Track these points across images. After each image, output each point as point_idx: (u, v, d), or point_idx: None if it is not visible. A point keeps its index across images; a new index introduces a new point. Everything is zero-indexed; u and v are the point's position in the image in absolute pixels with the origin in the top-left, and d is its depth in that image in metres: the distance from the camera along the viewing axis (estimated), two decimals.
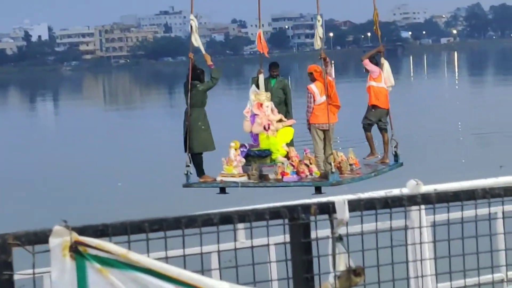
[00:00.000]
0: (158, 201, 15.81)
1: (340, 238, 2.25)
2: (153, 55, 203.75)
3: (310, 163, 12.50)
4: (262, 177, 12.44)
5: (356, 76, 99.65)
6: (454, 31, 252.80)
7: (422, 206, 2.34)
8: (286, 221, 2.18)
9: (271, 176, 12.43)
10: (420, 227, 2.75)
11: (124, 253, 1.92)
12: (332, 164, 12.00)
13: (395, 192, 3.61)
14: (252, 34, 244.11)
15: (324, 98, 12.42)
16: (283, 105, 13.87)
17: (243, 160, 12.53)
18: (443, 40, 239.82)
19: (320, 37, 12.51)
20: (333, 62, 13.05)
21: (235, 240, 2.16)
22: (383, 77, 13.93)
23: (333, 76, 13.01)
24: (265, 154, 12.76)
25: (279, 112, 13.27)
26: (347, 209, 2.22)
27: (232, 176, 12.36)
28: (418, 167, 23.68)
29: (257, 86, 13.50)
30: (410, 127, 34.38)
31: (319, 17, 12.57)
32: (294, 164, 12.46)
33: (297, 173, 12.41)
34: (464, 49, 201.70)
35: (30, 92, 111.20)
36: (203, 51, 12.85)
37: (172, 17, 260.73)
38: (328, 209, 2.22)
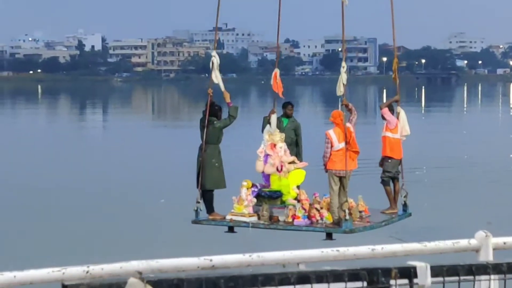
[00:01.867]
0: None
1: None
2: (203, 71, 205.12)
3: (321, 208, 12.49)
4: (272, 219, 12.46)
5: (406, 105, 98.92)
6: (511, 62, 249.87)
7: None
8: (365, 284, 2.12)
9: (281, 218, 12.43)
10: None
11: None
12: (347, 211, 11.98)
13: (463, 242, 3.52)
14: (304, 54, 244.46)
15: (342, 144, 12.39)
16: (294, 146, 13.92)
17: (254, 200, 12.54)
18: (499, 71, 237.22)
19: (343, 84, 12.47)
20: (355, 113, 12.97)
21: None
22: (399, 128, 13.86)
23: (354, 122, 12.90)
24: (276, 196, 12.78)
25: (290, 153, 13.31)
26: (429, 275, 2.15)
27: (242, 216, 12.37)
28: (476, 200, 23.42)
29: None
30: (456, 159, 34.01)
31: (344, 64, 12.70)
32: (305, 207, 12.44)
33: (308, 217, 12.40)
34: None
35: (80, 102, 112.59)
36: (223, 89, 12.84)
37: (224, 33, 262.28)
38: (409, 273, 2.16)
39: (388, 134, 13.79)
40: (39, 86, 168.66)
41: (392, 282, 2.17)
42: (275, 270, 1.98)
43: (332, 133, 12.51)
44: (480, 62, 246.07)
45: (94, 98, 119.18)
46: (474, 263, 2.18)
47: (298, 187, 13.16)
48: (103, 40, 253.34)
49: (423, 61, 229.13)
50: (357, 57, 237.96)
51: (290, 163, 13.08)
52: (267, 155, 12.98)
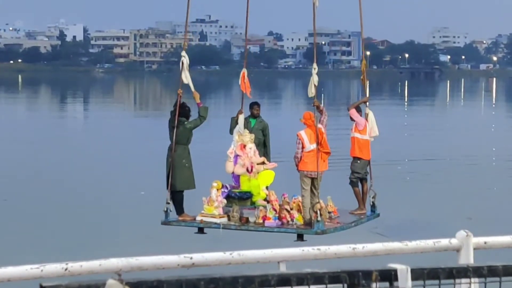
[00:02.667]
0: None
1: None
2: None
3: (291, 208, 12.54)
4: (242, 220, 12.46)
5: (389, 100, 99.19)
6: (494, 58, 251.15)
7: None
8: (345, 286, 2.12)
9: (252, 219, 12.44)
10: None
11: None
12: (318, 212, 11.98)
13: (444, 242, 3.54)
14: (287, 47, 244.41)
15: (313, 145, 12.44)
16: (262, 146, 13.93)
17: (225, 201, 12.55)
18: (483, 66, 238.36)
19: (315, 85, 12.47)
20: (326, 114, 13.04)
21: None
22: (368, 129, 13.95)
23: (325, 123, 12.95)
24: (246, 196, 12.82)
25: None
26: (410, 278, 2.16)
27: (213, 217, 12.35)
28: (460, 192, 23.54)
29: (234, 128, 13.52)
30: (443, 151, 34.19)
31: (315, 65, 12.62)
32: (276, 208, 12.47)
33: (279, 218, 12.42)
34: (503, 76, 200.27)
35: (61, 92, 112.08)
36: (193, 89, 12.79)
37: (208, 25, 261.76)
38: (390, 276, 2.16)
39: (357, 135, 13.90)
40: (20, 76, 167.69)
41: (373, 285, 2.18)
42: (255, 271, 1.98)
43: (304, 134, 12.57)
44: (463, 57, 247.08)
45: (75, 89, 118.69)
46: (455, 266, 2.19)
47: (267, 187, 13.23)
48: (85, 30, 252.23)
49: (407, 55, 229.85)
50: (341, 51, 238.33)
51: (259, 164, 13.14)
52: (236, 156, 13.01)
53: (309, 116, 12.64)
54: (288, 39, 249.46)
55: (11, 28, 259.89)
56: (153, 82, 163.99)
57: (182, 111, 12.70)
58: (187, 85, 12.79)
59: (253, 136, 13.26)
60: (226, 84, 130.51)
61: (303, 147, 12.53)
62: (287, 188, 13.57)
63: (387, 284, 2.20)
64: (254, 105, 14.13)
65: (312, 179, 12.51)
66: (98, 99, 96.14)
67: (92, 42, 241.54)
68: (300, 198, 12.71)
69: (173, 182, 12.48)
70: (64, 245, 16.73)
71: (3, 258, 13.45)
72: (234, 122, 13.46)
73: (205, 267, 3.04)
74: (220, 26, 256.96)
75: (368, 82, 14.39)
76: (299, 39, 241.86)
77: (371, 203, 13.84)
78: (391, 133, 46.06)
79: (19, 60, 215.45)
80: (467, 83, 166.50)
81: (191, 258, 3.01)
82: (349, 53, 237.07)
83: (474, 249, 3.56)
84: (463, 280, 2.21)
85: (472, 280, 2.20)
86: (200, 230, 12.47)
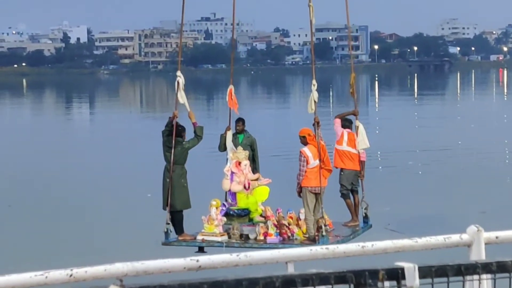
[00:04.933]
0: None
1: None
2: (192, 62, 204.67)
3: (289, 224, 12.63)
4: (243, 237, 12.58)
5: (399, 94, 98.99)
6: (505, 48, 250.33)
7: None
8: (352, 286, 2.12)
9: (252, 235, 12.58)
10: None
11: None
12: (323, 227, 12.17)
13: (455, 238, 3.52)
14: (294, 44, 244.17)
15: (317, 162, 12.60)
16: (251, 162, 14.04)
17: (224, 219, 12.69)
18: (493, 57, 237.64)
19: (315, 101, 12.59)
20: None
21: None
22: (344, 140, 14.13)
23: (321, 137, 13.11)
24: (244, 213, 13.02)
25: None
26: (417, 276, 2.15)
27: (214, 235, 12.47)
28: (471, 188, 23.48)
29: (225, 143, 13.63)
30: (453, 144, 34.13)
31: (314, 81, 12.70)
32: (276, 224, 12.56)
33: (280, 233, 12.57)
34: None
35: (66, 95, 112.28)
36: (188, 109, 12.96)
37: (213, 23, 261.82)
38: (397, 275, 2.15)
39: (336, 146, 14.12)
40: (24, 80, 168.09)
41: (380, 284, 2.17)
42: (259, 274, 1.97)
43: (308, 150, 12.73)
44: (473, 48, 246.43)
45: (81, 91, 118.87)
46: (463, 263, 2.18)
47: (261, 203, 13.39)
48: (89, 32, 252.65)
49: (416, 48, 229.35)
50: (349, 45, 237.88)
51: (254, 180, 13.29)
52: (232, 173, 13.14)
53: (308, 131, 12.80)
54: (294, 35, 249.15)
55: (14, 32, 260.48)
56: (159, 82, 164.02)
57: (177, 131, 12.79)
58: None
59: (247, 153, 13.50)
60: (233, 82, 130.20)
61: (307, 164, 12.62)
62: (280, 202, 13.71)
63: (394, 283, 2.19)
64: (238, 121, 14.36)
65: (316, 195, 12.60)
66: (104, 101, 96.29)
67: (97, 43, 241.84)
68: (294, 213, 12.93)
69: (172, 202, 12.58)
70: (69, 250, 16.76)
71: (7, 265, 13.51)
72: (223, 139, 13.66)
73: (212, 270, 3.05)
74: (226, 24, 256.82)
75: (356, 95, 14.48)
76: (306, 35, 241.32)
77: (364, 214, 14.04)
78: (401, 126, 46.03)
79: (23, 64, 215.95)
80: (477, 74, 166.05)
81: (197, 261, 3.00)
82: (357, 48, 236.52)
83: (486, 244, 3.53)
84: (473, 277, 2.20)
85: (482, 276, 2.19)
86: (200, 249, 12.63)
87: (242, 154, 13.30)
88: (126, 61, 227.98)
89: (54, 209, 22.26)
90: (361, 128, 14.20)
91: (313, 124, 12.85)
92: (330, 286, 2.07)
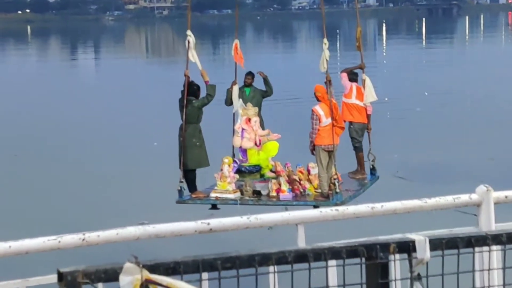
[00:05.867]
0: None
1: (419, 278, 2.21)
2: (197, 7, 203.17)
3: (299, 179, 12.68)
4: (255, 193, 12.65)
5: (407, 38, 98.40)
6: None
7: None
8: (363, 259, 2.15)
9: (264, 192, 12.64)
10: (504, 268, 2.70)
11: None
12: (337, 184, 12.27)
13: (464, 198, 3.55)
14: None
15: (329, 120, 12.68)
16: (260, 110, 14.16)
17: (237, 176, 12.79)
18: (502, 0, 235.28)
19: (326, 60, 12.57)
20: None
21: (309, 279, 2.13)
22: (353, 94, 14.24)
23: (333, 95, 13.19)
24: (256, 170, 13.07)
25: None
26: (428, 248, 2.18)
27: (227, 192, 12.55)
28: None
29: (231, 97, 13.63)
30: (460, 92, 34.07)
31: (325, 40, 12.63)
32: (288, 180, 12.62)
33: (292, 189, 12.63)
34: None
35: (71, 42, 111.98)
36: (200, 67, 12.93)
37: None
38: (408, 247, 2.18)
39: (344, 99, 14.22)
40: (28, 27, 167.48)
41: (391, 257, 2.21)
42: (271, 249, 2.01)
43: (319, 109, 12.77)
44: None
45: (86, 38, 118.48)
46: (473, 235, 2.21)
47: (271, 158, 13.48)
48: None
49: None
50: None
51: (263, 135, 13.36)
52: (243, 130, 13.21)
53: (323, 90, 12.82)
54: None
55: None
56: (165, 28, 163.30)
57: (190, 90, 12.87)
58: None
59: (257, 109, 13.57)
60: (239, 28, 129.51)
61: (319, 122, 12.69)
62: (289, 156, 13.77)
63: (405, 255, 2.22)
64: (247, 75, 14.39)
65: (329, 152, 12.72)
66: (110, 47, 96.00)
67: None
68: (303, 167, 13.01)
69: (185, 161, 12.71)
70: (78, 211, 16.82)
71: (18, 228, 13.60)
72: (229, 93, 13.73)
73: (223, 232, 3.08)
74: None
75: (362, 49, 14.50)
76: None
77: (371, 166, 14.16)
78: (409, 71, 45.87)
79: (27, 10, 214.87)
80: (486, 18, 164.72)
81: (208, 224, 3.05)
82: None
83: (495, 203, 3.57)
84: (483, 249, 2.23)
85: (492, 248, 2.22)
86: (213, 206, 12.70)
87: (252, 110, 13.37)
88: (131, 7, 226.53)
89: (60, 162, 22.32)
90: (368, 81, 14.34)
91: (325, 82, 12.90)
92: (342, 261, 2.11)
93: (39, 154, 23.26)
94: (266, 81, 14.18)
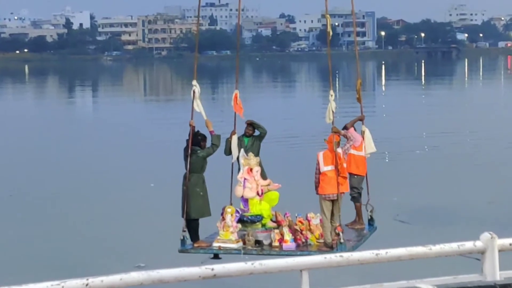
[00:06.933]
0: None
1: None
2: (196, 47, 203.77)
3: (301, 230, 12.79)
4: (258, 243, 12.73)
5: (406, 82, 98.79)
6: None
7: None
8: None
9: (266, 242, 12.73)
10: None
11: None
12: (341, 235, 12.31)
13: (468, 245, 3.56)
14: (300, 30, 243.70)
15: (329, 167, 12.67)
16: (258, 141, 14.17)
17: (240, 225, 12.84)
18: (501, 44, 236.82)
19: (332, 111, 12.66)
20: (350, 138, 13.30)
21: None
22: (363, 146, 14.32)
23: (346, 148, 13.26)
24: (257, 220, 13.15)
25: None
26: None
27: (230, 242, 12.65)
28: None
29: (230, 147, 13.72)
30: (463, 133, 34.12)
31: (332, 92, 12.73)
32: (291, 230, 12.73)
33: (295, 240, 12.73)
34: None
35: (69, 82, 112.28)
36: (205, 117, 13.11)
37: (218, 9, 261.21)
38: None
39: (353, 151, 14.27)
40: (26, 66, 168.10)
41: None
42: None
43: (321, 155, 12.83)
44: (481, 35, 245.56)
45: (83, 78, 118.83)
46: (482, 284, 2.21)
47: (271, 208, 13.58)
48: (92, 17, 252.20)
49: (423, 34, 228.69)
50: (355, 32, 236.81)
51: (264, 186, 13.45)
52: (245, 180, 13.32)
53: (330, 138, 12.86)
54: (300, 21, 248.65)
55: (16, 17, 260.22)
56: (163, 68, 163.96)
57: (195, 140, 13.03)
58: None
59: (258, 159, 13.63)
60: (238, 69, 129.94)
61: (318, 168, 12.76)
62: (288, 206, 13.76)
63: None
64: (249, 126, 14.30)
65: (332, 202, 12.71)
66: (107, 88, 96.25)
67: (99, 29, 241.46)
68: (302, 217, 12.98)
69: (188, 210, 12.83)
70: (80, 254, 16.74)
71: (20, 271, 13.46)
72: (228, 143, 13.80)
73: (227, 278, 3.08)
74: (231, 10, 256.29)
75: (362, 101, 14.61)
76: (312, 21, 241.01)
77: (369, 217, 14.17)
78: (408, 113, 45.99)
79: (25, 50, 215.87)
80: (485, 61, 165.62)
81: (212, 269, 3.04)
82: (364, 34, 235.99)
83: (499, 251, 3.57)
84: None
85: None
86: (215, 256, 12.80)
87: (254, 160, 13.48)
88: (130, 47, 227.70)
89: (57, 203, 22.24)
90: (367, 133, 14.47)
91: (332, 133, 12.95)
92: None
93: (35, 194, 23.20)
94: (255, 125, 14.21)
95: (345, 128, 14.29)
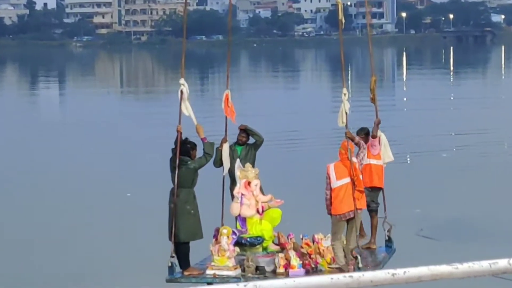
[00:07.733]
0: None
1: None
2: (182, 33, 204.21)
3: (309, 253, 12.61)
4: (259, 270, 12.48)
5: (432, 71, 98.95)
6: None
7: None
8: None
9: (269, 268, 12.48)
10: None
11: None
12: (359, 258, 12.22)
13: (502, 263, 3.54)
14: (305, 10, 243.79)
15: (342, 181, 12.56)
16: (254, 148, 14.03)
17: (237, 249, 12.54)
18: None
19: (346, 113, 12.62)
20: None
21: None
22: (382, 154, 14.29)
23: (361, 160, 13.20)
24: (258, 242, 12.84)
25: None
26: None
27: (226, 269, 12.38)
28: None
29: (221, 157, 13.45)
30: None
31: (345, 90, 12.68)
32: (298, 254, 12.56)
33: (303, 265, 12.53)
34: None
35: (31, 72, 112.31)
36: (195, 122, 12.81)
37: None
38: None
39: (373, 161, 14.10)
40: None
41: None
42: None
43: (332, 168, 12.68)
44: None
45: (48, 68, 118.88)
46: None
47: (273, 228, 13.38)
48: None
49: (451, 16, 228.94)
50: (371, 13, 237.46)
51: (265, 202, 13.14)
52: (241, 195, 13.00)
53: (344, 146, 12.68)
54: (305, 0, 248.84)
55: None
56: (143, 56, 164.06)
57: (183, 148, 12.62)
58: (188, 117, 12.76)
59: (257, 170, 13.24)
60: (232, 57, 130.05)
61: (329, 183, 12.61)
62: (291, 226, 13.67)
63: None
64: (242, 132, 14.08)
65: (348, 221, 12.62)
66: (77, 79, 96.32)
67: (67, 10, 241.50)
68: (309, 239, 12.76)
69: (177, 232, 12.42)
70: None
71: None
72: (219, 153, 13.44)
73: None
74: None
75: (377, 103, 14.51)
76: (319, 0, 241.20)
77: (386, 238, 14.05)
78: (434, 110, 46.04)
79: None
80: None
81: None
82: (381, 16, 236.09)
83: None
84: None
85: None
86: (209, 284, 12.51)
87: (252, 172, 13.01)
88: (103, 31, 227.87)
89: (21, 212, 22.28)
90: (383, 138, 14.31)
91: (345, 138, 12.85)
92: None
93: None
94: (250, 132, 13.94)
95: (373, 136, 14.15)
